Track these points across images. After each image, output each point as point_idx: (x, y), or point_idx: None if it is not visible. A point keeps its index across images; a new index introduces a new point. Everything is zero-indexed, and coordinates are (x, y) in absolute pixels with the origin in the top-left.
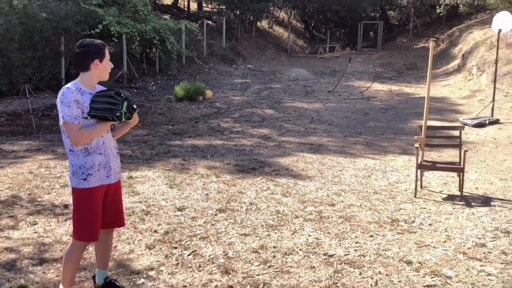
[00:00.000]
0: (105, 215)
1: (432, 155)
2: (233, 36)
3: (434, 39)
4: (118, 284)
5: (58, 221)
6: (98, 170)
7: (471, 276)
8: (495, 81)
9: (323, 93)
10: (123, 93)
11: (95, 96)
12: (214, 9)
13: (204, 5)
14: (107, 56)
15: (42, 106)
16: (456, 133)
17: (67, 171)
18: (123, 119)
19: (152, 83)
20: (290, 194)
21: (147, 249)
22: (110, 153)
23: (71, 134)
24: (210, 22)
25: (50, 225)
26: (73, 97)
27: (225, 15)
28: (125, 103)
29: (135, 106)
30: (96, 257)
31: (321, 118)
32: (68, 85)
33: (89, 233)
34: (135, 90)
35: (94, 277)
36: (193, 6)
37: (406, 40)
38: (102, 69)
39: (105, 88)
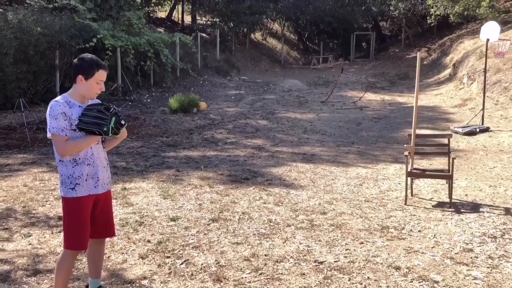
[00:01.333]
0: (96, 225)
1: (423, 163)
2: (227, 48)
3: (426, 49)
4: None
5: (52, 233)
6: (86, 180)
7: (458, 280)
8: (484, 89)
9: (316, 104)
10: (112, 108)
11: (85, 110)
12: (208, 22)
13: (198, 18)
14: (96, 76)
15: (36, 120)
16: (445, 141)
17: None
18: (110, 134)
19: (147, 95)
20: (282, 203)
21: (140, 259)
22: (99, 164)
23: (58, 145)
24: (204, 34)
25: (44, 237)
26: (60, 110)
27: (219, 27)
28: (114, 119)
29: (123, 122)
30: (88, 267)
31: (314, 128)
32: (57, 98)
33: (78, 241)
34: (130, 103)
35: (87, 287)
36: (187, 19)
37: (399, 50)
38: (86, 86)
39: (98, 101)
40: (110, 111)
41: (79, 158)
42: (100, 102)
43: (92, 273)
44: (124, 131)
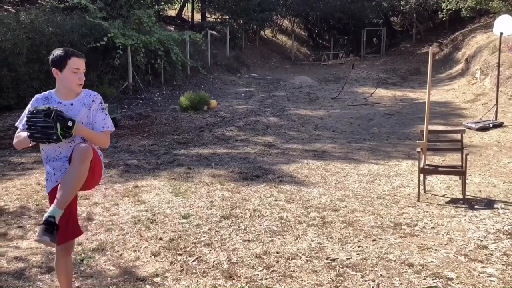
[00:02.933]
0: None
1: (436, 159)
2: (237, 46)
3: (438, 44)
4: (55, 229)
5: None
6: (54, 174)
7: (472, 278)
8: (497, 84)
9: (327, 100)
10: (53, 113)
11: (27, 118)
12: (218, 19)
13: (207, 15)
14: (71, 66)
15: None
16: (458, 136)
17: None
18: (62, 140)
19: (158, 93)
20: (293, 200)
21: (153, 256)
22: (59, 161)
23: (16, 136)
24: (214, 32)
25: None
26: (31, 106)
27: (228, 25)
28: (58, 124)
29: (70, 124)
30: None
31: (325, 125)
32: (43, 92)
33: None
34: (141, 101)
35: None
36: (197, 17)
37: (410, 46)
38: (63, 78)
39: (43, 106)
40: (52, 117)
41: (47, 156)
42: (39, 108)
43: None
44: (104, 136)
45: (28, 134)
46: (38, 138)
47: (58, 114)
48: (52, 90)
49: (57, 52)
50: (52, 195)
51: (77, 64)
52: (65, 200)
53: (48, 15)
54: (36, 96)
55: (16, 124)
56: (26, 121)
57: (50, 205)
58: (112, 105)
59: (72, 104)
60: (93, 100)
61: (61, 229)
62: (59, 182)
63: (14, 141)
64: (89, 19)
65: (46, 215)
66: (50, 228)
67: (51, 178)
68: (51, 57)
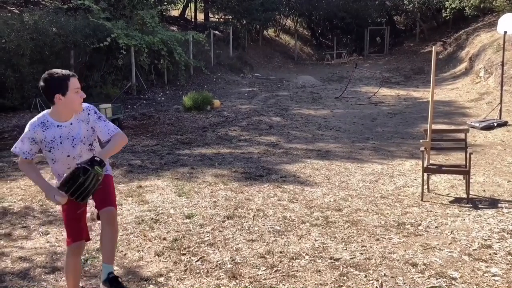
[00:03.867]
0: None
1: (440, 159)
2: (240, 46)
3: (441, 42)
4: (120, 280)
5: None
6: None
7: (476, 277)
8: (502, 83)
9: (330, 100)
10: (91, 174)
11: (63, 185)
12: (221, 19)
13: (210, 15)
14: (72, 87)
15: None
16: (462, 136)
17: None
18: (102, 172)
19: (161, 93)
20: (297, 200)
21: (156, 256)
22: None
23: (20, 162)
24: (217, 32)
25: (62, 235)
26: (30, 134)
27: (231, 25)
28: (98, 169)
29: (98, 165)
30: (102, 251)
31: (329, 125)
32: (38, 116)
33: (70, 236)
34: (144, 101)
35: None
36: (200, 17)
37: (413, 45)
38: (67, 102)
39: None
40: (88, 174)
41: (58, 175)
42: (79, 180)
43: (104, 257)
44: (117, 140)
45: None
46: (87, 194)
47: (93, 170)
48: (45, 113)
49: (54, 77)
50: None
51: (77, 83)
52: (113, 255)
53: (51, 16)
54: (31, 123)
55: (15, 151)
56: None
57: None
58: (116, 106)
59: (71, 124)
60: (88, 114)
61: (98, 202)
62: None
63: (20, 165)
64: (93, 19)
65: (105, 276)
66: (116, 283)
67: None
68: (46, 83)
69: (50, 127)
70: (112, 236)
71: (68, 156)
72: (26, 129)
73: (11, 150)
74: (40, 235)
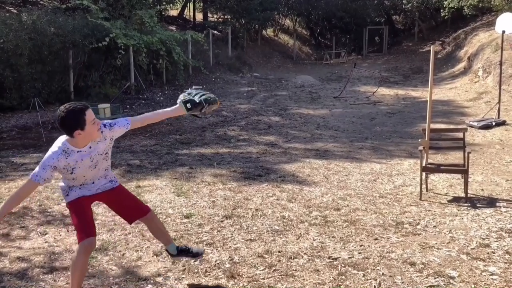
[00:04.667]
0: (126, 213)
1: (438, 158)
2: (238, 45)
3: (440, 42)
4: (189, 247)
5: (68, 231)
6: (76, 191)
7: (474, 276)
8: (500, 82)
9: (329, 99)
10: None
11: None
12: (220, 19)
13: (209, 15)
14: (89, 120)
15: (51, 119)
16: (460, 135)
17: None
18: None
19: (160, 93)
20: (295, 199)
21: (155, 256)
22: (91, 184)
23: (25, 186)
24: (215, 32)
25: (60, 235)
26: (53, 162)
27: (230, 24)
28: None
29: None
30: (159, 240)
31: (327, 124)
32: (58, 144)
33: (83, 232)
34: (143, 101)
35: (167, 251)
36: (199, 17)
37: (412, 44)
38: (86, 134)
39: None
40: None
41: (72, 186)
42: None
43: (163, 243)
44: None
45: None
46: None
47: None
48: (65, 140)
49: (70, 115)
50: (77, 202)
51: (92, 115)
52: (168, 236)
53: (50, 16)
54: (53, 152)
55: (36, 180)
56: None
57: (76, 207)
58: (114, 106)
59: (90, 147)
60: (102, 132)
61: (131, 212)
62: (85, 195)
63: (25, 191)
64: (91, 19)
65: (175, 251)
66: (186, 251)
67: (72, 192)
68: (63, 122)
69: (71, 153)
70: (160, 225)
71: (87, 168)
72: (48, 157)
73: (31, 178)
74: (38, 235)
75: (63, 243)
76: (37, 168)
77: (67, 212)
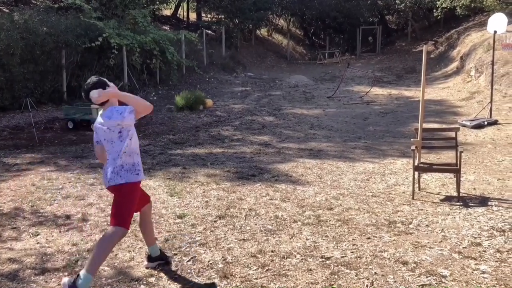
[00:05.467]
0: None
1: (431, 157)
2: (232, 45)
3: (433, 42)
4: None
5: (60, 232)
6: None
7: (466, 275)
8: (492, 82)
9: (323, 99)
10: None
11: None
12: (213, 19)
13: (203, 15)
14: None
15: (44, 119)
16: (452, 134)
17: (69, 182)
18: None
19: (153, 93)
20: (289, 199)
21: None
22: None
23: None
24: (209, 31)
25: (52, 236)
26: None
27: (224, 24)
28: None
29: None
30: (145, 238)
31: (321, 124)
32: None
33: (128, 222)
34: None
35: (148, 255)
36: (192, 16)
37: (405, 44)
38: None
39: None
40: None
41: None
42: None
43: (148, 241)
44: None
45: None
46: None
47: None
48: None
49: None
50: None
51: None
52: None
53: (42, 15)
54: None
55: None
56: None
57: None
58: None
59: None
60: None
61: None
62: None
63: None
64: (84, 19)
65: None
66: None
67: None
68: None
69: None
70: (151, 219)
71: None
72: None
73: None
74: (30, 236)
75: (55, 244)
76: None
77: (59, 213)
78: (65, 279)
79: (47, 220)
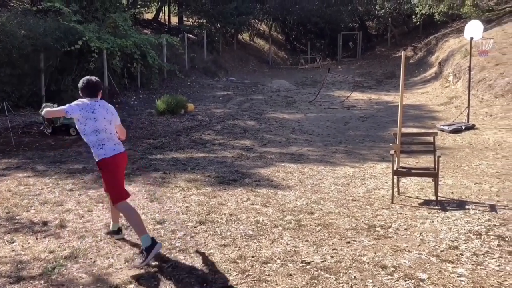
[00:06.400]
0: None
1: (410, 162)
2: (214, 49)
3: (412, 47)
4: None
5: (36, 239)
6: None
7: (443, 278)
8: (469, 87)
9: (304, 104)
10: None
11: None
12: (195, 23)
13: (185, 19)
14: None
15: (21, 124)
16: (431, 139)
17: (47, 188)
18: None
19: (134, 97)
20: (270, 204)
21: (126, 263)
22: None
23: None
24: (191, 35)
25: (28, 243)
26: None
27: (206, 28)
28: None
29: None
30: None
31: (302, 128)
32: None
33: (125, 192)
34: (117, 105)
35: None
36: (174, 20)
37: (385, 50)
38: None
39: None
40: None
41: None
42: None
43: (113, 218)
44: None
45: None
46: None
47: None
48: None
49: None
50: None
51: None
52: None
53: (20, 18)
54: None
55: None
56: None
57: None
58: None
59: None
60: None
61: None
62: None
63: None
64: (63, 22)
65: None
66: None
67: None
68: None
69: None
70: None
71: None
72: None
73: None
74: (5, 244)
75: (31, 251)
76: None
77: (36, 219)
78: (136, 261)
79: (23, 227)
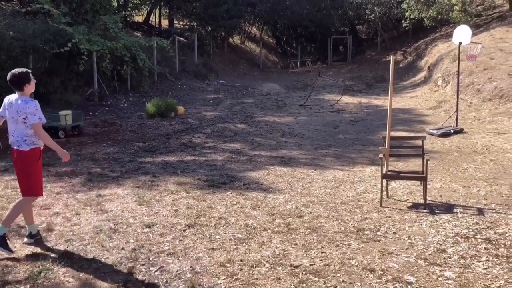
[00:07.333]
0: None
1: (399, 165)
2: (205, 52)
3: (402, 52)
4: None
5: (23, 242)
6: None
7: (431, 281)
8: (458, 92)
9: (295, 107)
10: None
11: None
12: (186, 26)
13: (175, 22)
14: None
15: None
16: (419, 143)
17: None
18: None
19: (124, 100)
20: (259, 207)
21: (114, 267)
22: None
23: (40, 128)
24: (182, 38)
25: (15, 247)
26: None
27: (196, 31)
28: None
29: None
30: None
31: (292, 132)
32: (34, 99)
33: (40, 188)
34: (106, 108)
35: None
36: (165, 23)
37: (375, 54)
38: (31, 88)
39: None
40: None
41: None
42: None
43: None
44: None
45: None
46: None
47: None
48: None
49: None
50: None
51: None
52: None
53: (8, 20)
54: (34, 100)
55: (43, 121)
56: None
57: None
58: (76, 112)
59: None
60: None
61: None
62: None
63: (43, 133)
64: (53, 24)
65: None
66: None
67: None
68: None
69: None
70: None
71: None
72: (37, 105)
73: (40, 122)
74: None
75: (18, 255)
76: (37, 115)
77: (23, 223)
78: None
79: (9, 231)
